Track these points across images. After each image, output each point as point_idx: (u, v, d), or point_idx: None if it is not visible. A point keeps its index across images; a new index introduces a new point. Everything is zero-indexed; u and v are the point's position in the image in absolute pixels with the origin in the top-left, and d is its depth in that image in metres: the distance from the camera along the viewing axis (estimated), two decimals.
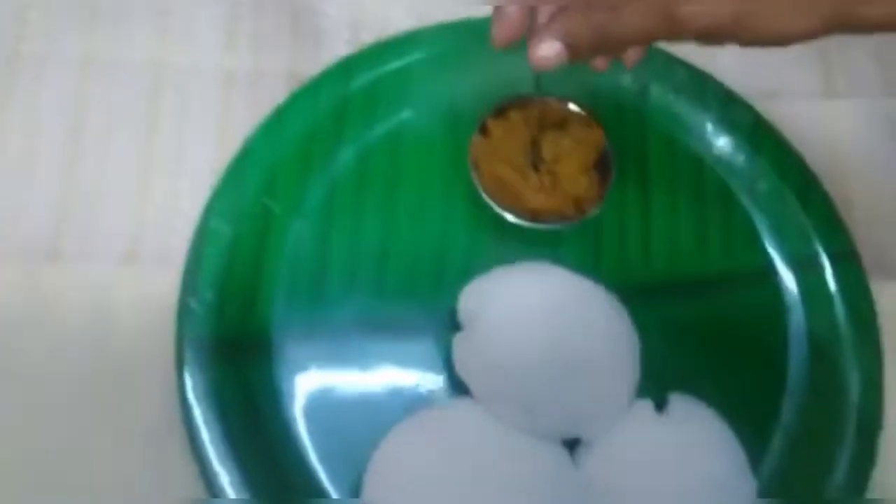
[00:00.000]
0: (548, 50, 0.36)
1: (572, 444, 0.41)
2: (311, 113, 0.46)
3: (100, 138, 0.46)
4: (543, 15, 0.38)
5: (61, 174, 0.45)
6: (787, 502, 0.42)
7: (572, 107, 0.47)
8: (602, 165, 0.46)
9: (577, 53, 0.36)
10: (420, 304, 0.44)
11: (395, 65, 0.48)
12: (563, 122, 0.46)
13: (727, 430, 0.42)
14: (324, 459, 0.41)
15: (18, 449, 0.40)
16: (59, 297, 0.43)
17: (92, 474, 0.40)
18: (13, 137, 0.46)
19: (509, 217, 0.44)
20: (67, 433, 0.41)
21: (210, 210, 0.43)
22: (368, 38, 0.50)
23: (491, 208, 0.45)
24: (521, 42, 0.38)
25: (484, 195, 0.45)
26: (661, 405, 0.42)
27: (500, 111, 0.46)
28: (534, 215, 0.45)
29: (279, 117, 0.46)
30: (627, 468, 0.40)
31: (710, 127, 0.50)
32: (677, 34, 0.35)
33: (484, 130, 0.46)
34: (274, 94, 0.47)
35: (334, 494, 0.40)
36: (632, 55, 0.43)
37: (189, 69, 0.48)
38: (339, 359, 0.43)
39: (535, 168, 0.45)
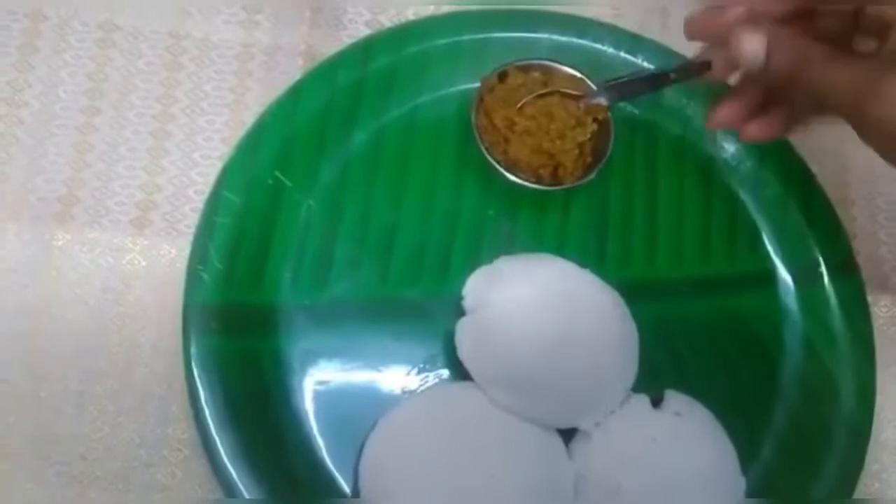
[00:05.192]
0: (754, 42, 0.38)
1: (568, 434, 0.42)
2: (328, 92, 0.46)
3: (116, 105, 0.47)
4: None
5: (77, 139, 0.46)
6: (773, 502, 0.43)
7: (588, 82, 0.46)
8: (600, 145, 0.46)
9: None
10: (426, 288, 0.45)
11: (413, 49, 0.48)
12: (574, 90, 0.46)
13: (720, 428, 0.43)
14: (323, 434, 0.41)
15: (23, 407, 0.41)
16: (69, 259, 0.43)
17: (94, 436, 0.41)
18: (32, 100, 0.46)
19: (494, 163, 0.44)
20: (73, 396, 0.41)
21: (223, 180, 0.44)
22: (388, 21, 0.50)
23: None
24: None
25: (475, 131, 0.45)
26: (656, 401, 0.43)
27: (522, 68, 0.47)
28: (511, 164, 0.45)
29: (296, 94, 0.46)
30: (621, 461, 0.41)
31: (720, 131, 0.50)
32: None
33: (503, 76, 0.46)
34: (290, 72, 0.48)
35: (332, 468, 0.41)
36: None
37: (207, 42, 0.48)
38: (343, 337, 0.43)
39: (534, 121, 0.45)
